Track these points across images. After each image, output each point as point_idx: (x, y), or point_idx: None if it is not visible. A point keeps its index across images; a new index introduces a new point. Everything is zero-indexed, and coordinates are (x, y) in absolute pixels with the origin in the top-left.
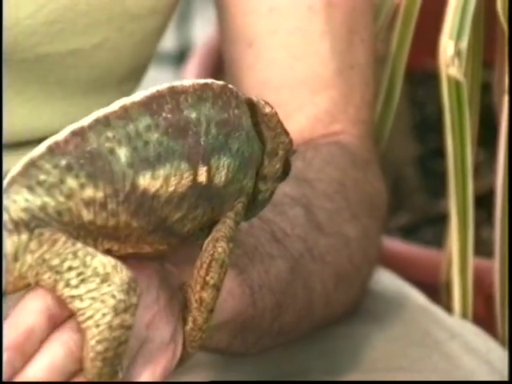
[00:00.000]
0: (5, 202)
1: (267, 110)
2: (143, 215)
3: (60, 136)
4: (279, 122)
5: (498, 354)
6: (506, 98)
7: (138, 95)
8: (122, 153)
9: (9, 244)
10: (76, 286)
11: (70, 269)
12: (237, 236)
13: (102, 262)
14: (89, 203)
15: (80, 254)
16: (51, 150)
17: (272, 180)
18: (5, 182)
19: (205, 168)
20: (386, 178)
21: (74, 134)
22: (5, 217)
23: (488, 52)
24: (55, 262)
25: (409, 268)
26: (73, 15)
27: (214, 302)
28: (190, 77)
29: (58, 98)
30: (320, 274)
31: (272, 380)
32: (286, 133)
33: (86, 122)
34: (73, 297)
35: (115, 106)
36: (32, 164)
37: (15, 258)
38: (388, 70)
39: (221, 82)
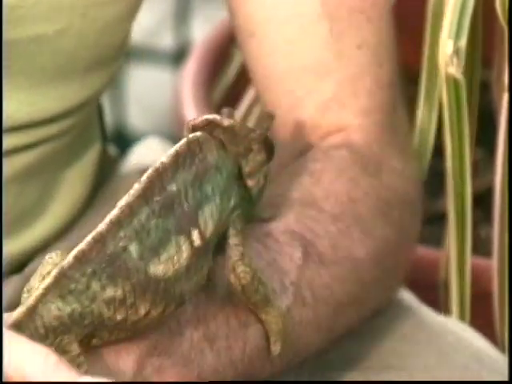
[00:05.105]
0: (40, 310)
1: (226, 123)
2: (160, 301)
3: (84, 244)
4: (242, 126)
5: (488, 351)
6: (505, 97)
7: (135, 189)
8: (133, 248)
9: None
10: None
11: None
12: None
13: None
14: (109, 302)
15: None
16: (78, 259)
17: (259, 170)
18: (38, 292)
19: (196, 231)
20: None
21: (96, 240)
22: (38, 323)
23: (486, 50)
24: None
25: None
26: (34, 0)
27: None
28: (189, 76)
29: (24, 88)
30: (313, 321)
31: (270, 380)
32: (253, 130)
33: (103, 226)
34: None
35: (121, 205)
36: (63, 274)
37: None
38: (424, 72)
39: (184, 141)
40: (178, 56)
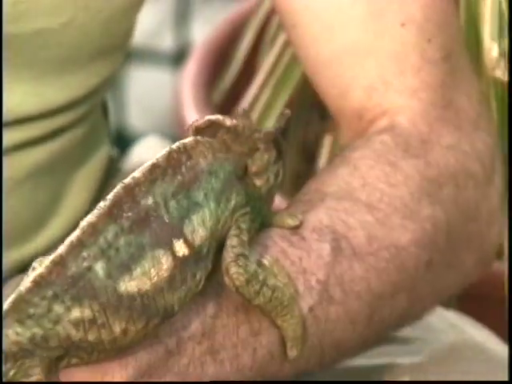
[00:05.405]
0: None
1: (229, 123)
2: (138, 316)
3: (42, 268)
4: (245, 126)
5: (494, 343)
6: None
7: (100, 207)
8: (99, 267)
9: None
10: None
11: None
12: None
13: None
14: (77, 323)
15: None
16: (37, 283)
17: (267, 169)
18: None
19: (180, 241)
20: None
21: (55, 263)
22: None
23: None
24: None
25: None
26: None
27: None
28: (189, 77)
29: (29, 79)
30: (344, 317)
31: (270, 380)
32: (258, 130)
33: (62, 249)
34: None
35: (84, 225)
36: (21, 299)
37: None
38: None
39: (164, 152)
40: (178, 57)
